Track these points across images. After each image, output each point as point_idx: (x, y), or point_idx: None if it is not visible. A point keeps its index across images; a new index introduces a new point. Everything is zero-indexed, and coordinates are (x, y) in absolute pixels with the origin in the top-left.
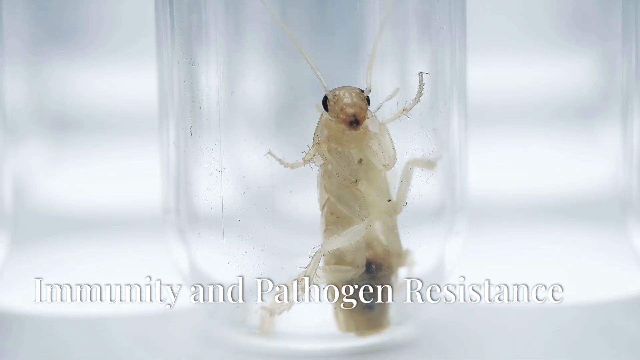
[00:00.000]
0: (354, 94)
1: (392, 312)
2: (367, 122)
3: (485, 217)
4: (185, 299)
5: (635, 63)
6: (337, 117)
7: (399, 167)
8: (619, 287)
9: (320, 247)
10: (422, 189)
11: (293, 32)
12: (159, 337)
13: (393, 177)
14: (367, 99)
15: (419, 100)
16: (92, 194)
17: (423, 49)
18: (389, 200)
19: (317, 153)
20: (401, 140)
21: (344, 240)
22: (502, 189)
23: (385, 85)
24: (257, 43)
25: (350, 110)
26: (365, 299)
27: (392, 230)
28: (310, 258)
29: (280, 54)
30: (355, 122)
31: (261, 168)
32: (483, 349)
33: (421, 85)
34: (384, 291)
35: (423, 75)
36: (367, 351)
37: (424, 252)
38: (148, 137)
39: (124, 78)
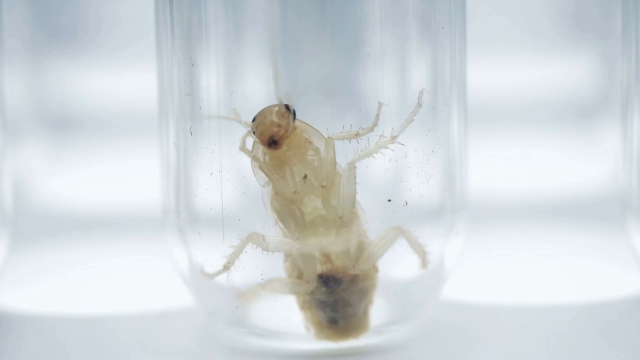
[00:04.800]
0: (271, 114)
1: (369, 319)
2: (306, 135)
3: (485, 217)
4: (185, 299)
5: (635, 63)
6: (260, 140)
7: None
8: (619, 287)
9: (247, 236)
10: (422, 189)
11: (293, 32)
12: (159, 337)
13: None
14: (293, 112)
15: (372, 130)
16: (92, 194)
17: (423, 49)
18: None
19: (261, 171)
20: (401, 140)
21: (265, 244)
22: (502, 189)
23: (385, 85)
24: (257, 43)
25: (266, 131)
26: (324, 313)
27: (348, 243)
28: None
29: (280, 54)
30: (273, 143)
31: None
32: (483, 349)
33: (377, 117)
34: (344, 306)
35: (382, 106)
36: (367, 351)
37: None
38: (148, 137)
39: (124, 78)
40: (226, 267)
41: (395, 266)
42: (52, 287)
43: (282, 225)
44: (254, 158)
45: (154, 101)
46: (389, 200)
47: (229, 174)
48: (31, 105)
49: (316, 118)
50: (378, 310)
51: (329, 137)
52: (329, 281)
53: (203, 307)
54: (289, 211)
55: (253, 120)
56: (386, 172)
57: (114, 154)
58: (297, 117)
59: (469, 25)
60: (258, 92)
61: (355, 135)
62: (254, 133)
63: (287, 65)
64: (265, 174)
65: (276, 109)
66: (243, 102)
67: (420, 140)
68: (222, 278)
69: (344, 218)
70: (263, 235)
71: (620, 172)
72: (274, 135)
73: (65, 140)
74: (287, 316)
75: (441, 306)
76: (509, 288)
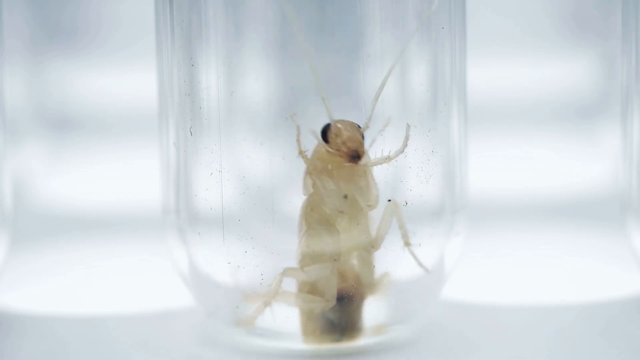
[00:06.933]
0: (355, 128)
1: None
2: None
3: (485, 217)
4: (185, 299)
5: (635, 63)
6: (339, 150)
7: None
8: (619, 287)
9: (281, 271)
10: (422, 189)
11: (292, 33)
12: (159, 337)
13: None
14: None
15: (403, 151)
16: (92, 194)
17: (423, 49)
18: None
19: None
20: (401, 140)
21: (305, 276)
22: (502, 189)
23: (385, 85)
24: (257, 43)
25: (352, 145)
26: (331, 335)
27: (368, 264)
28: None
29: (280, 54)
30: (356, 157)
31: (261, 168)
32: (483, 350)
33: (407, 137)
34: (354, 326)
35: (410, 127)
36: (367, 351)
37: (424, 252)
38: (148, 137)
39: (124, 78)
40: (267, 304)
41: (395, 266)
42: (52, 287)
43: (308, 240)
44: (312, 167)
45: (154, 101)
46: (389, 201)
47: (229, 174)
48: (31, 105)
49: (316, 118)
50: (378, 310)
51: (364, 165)
52: (343, 299)
53: (203, 307)
54: (326, 230)
55: (326, 129)
56: (386, 172)
57: (114, 154)
58: (297, 117)
59: (469, 25)
60: (258, 92)
61: (387, 159)
62: (325, 139)
63: (287, 65)
64: (321, 184)
65: (356, 126)
66: (243, 102)
67: (420, 140)
68: (223, 278)
69: (374, 244)
70: (300, 269)
71: (620, 172)
72: (359, 149)
73: (65, 140)
74: (287, 316)
75: (441, 306)
76: (509, 288)
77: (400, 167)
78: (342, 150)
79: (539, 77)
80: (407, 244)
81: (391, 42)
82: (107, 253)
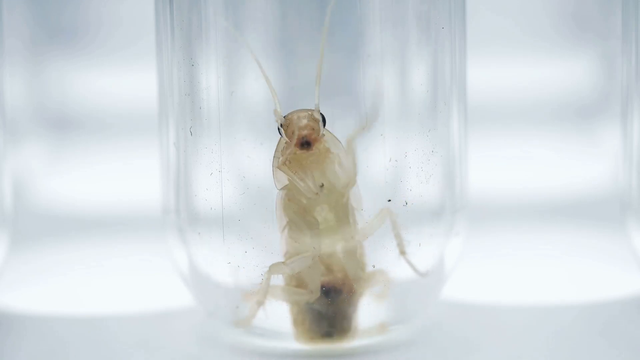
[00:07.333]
0: (304, 116)
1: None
2: (328, 144)
3: (485, 217)
4: (185, 299)
5: (635, 63)
6: (291, 140)
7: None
8: (619, 287)
9: (268, 269)
10: (422, 189)
11: (293, 33)
12: (159, 337)
13: (358, 202)
14: (323, 119)
15: (376, 119)
16: (92, 194)
17: (423, 49)
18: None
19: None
20: (401, 140)
21: (288, 269)
22: (502, 189)
23: (385, 85)
24: (257, 43)
25: (302, 132)
26: (321, 328)
27: (353, 256)
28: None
29: (280, 54)
30: (306, 144)
31: (261, 168)
32: (483, 349)
33: (376, 106)
34: (341, 319)
35: (380, 95)
36: (367, 351)
37: (424, 252)
38: (148, 137)
39: (124, 78)
40: (259, 303)
41: (395, 266)
42: (52, 287)
43: (290, 232)
44: (282, 164)
45: (154, 101)
46: (389, 200)
47: (229, 174)
48: (31, 105)
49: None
50: (378, 310)
51: (349, 139)
52: (330, 292)
53: (203, 307)
54: (304, 220)
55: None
56: (386, 172)
57: (114, 154)
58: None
59: (469, 25)
60: (258, 92)
61: (364, 128)
62: (280, 130)
63: (287, 65)
64: (289, 175)
65: (308, 112)
66: (243, 102)
67: (420, 140)
68: (223, 278)
69: (353, 234)
70: (282, 262)
71: (620, 172)
72: (307, 136)
73: (65, 140)
74: (287, 316)
75: (441, 306)
76: (509, 288)
77: (400, 167)
78: (294, 140)
79: (539, 77)
80: (402, 252)
81: (391, 42)
82: (107, 253)
